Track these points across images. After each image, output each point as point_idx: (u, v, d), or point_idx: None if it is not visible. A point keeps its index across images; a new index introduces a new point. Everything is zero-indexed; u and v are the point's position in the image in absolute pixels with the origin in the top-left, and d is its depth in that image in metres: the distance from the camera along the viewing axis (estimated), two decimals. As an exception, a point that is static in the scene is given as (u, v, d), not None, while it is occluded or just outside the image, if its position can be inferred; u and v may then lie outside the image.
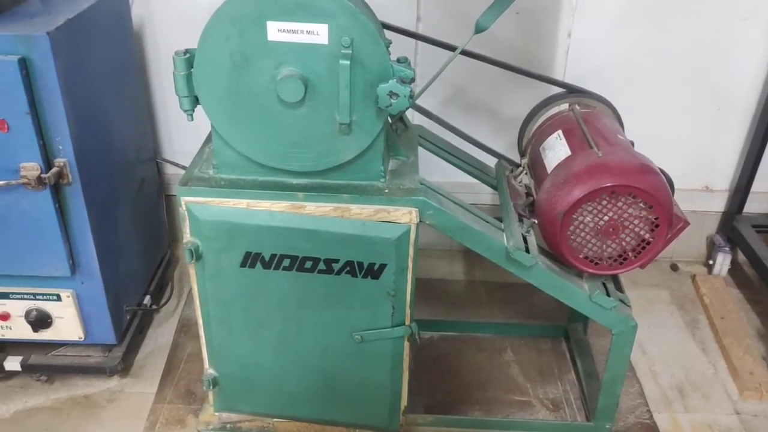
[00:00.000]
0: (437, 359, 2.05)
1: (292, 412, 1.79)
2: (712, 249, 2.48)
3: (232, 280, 1.55)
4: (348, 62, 1.29)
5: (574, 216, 1.45)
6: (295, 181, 1.48)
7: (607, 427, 1.78)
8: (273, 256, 1.50)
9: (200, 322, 1.65)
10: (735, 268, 2.46)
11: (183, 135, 2.33)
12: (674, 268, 2.53)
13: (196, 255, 1.51)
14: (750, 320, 2.26)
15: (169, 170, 2.37)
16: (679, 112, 2.30)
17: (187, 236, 1.51)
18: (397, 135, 1.62)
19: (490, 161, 1.90)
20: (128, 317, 1.96)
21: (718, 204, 2.46)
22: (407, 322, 1.58)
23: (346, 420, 1.78)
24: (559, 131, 1.65)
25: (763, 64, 2.22)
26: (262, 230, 1.47)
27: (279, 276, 1.52)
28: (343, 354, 1.63)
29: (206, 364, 1.72)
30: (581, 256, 1.50)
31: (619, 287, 1.66)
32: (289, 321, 1.60)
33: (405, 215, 1.45)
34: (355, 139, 1.41)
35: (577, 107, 1.72)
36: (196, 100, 1.40)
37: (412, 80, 1.34)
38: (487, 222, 1.57)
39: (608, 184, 1.41)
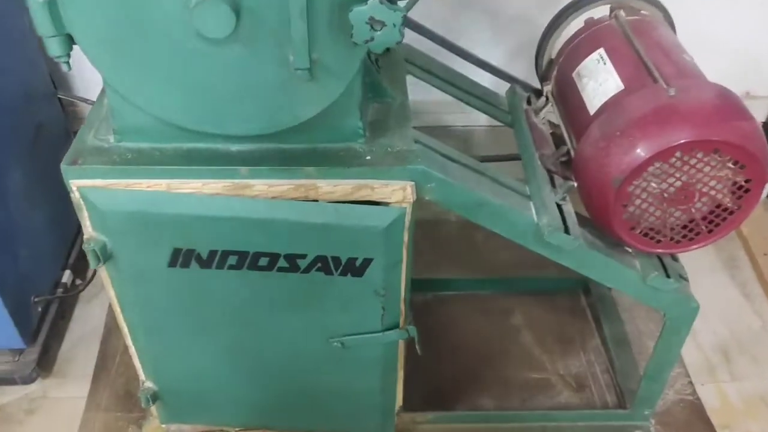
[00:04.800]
0: (434, 330, 1.67)
1: (259, 422, 1.42)
2: (747, 167, 2.09)
3: (160, 283, 1.13)
4: (301, -26, 0.81)
5: (635, 182, 1.03)
6: (235, 148, 1.02)
7: (646, 413, 1.46)
8: (213, 253, 1.07)
9: (125, 331, 1.24)
10: (773, 189, 2.09)
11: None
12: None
13: (104, 256, 1.07)
14: (796, 254, 1.92)
15: (77, 104, 1.85)
16: (719, 4, 1.83)
17: (88, 231, 1.07)
18: (378, 67, 1.15)
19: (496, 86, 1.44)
20: (40, 309, 1.53)
21: (760, 113, 2.05)
22: (402, 325, 1.18)
23: (328, 428, 1.43)
24: (601, 50, 1.19)
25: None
26: (191, 221, 1.03)
27: (224, 276, 1.10)
28: (318, 360, 1.25)
29: (142, 376, 1.33)
30: (638, 232, 1.10)
31: (673, 255, 1.27)
32: (245, 327, 1.20)
33: (397, 192, 1.02)
34: (320, 87, 0.94)
35: (621, 13, 1.24)
36: (70, 40, 0.91)
37: (403, -4, 0.87)
38: (505, 186, 1.14)
39: (687, 140, 0.99)
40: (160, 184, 1.01)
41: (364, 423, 1.40)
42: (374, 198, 1.02)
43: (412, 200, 1.02)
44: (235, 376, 1.30)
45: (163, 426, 1.45)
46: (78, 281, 1.70)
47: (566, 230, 1.08)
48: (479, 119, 1.99)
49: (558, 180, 1.17)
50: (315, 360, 1.25)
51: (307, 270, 1.08)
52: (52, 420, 1.51)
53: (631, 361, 1.58)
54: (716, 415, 1.53)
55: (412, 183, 1.01)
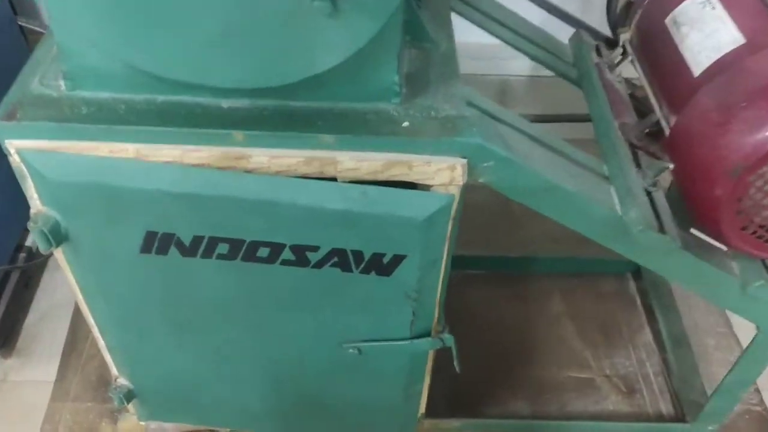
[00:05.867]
0: (462, 316, 1.41)
1: (255, 426, 1.21)
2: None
3: (131, 272, 0.89)
4: None
5: (760, 171, 0.77)
6: (227, 104, 0.76)
7: (710, 429, 1.24)
8: (198, 239, 0.82)
9: (90, 321, 1.00)
10: None
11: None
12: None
13: (56, 237, 0.82)
14: None
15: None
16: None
17: (35, 205, 0.82)
18: (417, 1, 0.87)
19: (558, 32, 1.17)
20: (-4, 282, 1.30)
21: None
22: (435, 332, 0.95)
23: (336, 434, 1.21)
24: (708, -10, 0.91)
25: None
26: (169, 199, 0.78)
27: (213, 267, 0.85)
28: (327, 367, 1.02)
29: (114, 371, 1.10)
30: (751, 233, 0.84)
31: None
32: (238, 325, 0.97)
33: (443, 172, 0.76)
34: (345, 26, 0.67)
35: (734, -59, 0.96)
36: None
37: None
38: (579, 164, 0.88)
39: (843, 115, 0.72)
40: (126, 150, 0.75)
41: (382, 430, 1.18)
42: (412, 179, 0.77)
43: (461, 183, 0.77)
44: (226, 379, 1.08)
45: (142, 423, 1.23)
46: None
47: (660, 227, 0.83)
48: (518, 68, 1.72)
49: (644, 158, 0.91)
50: (323, 366, 1.02)
51: (318, 265, 0.84)
52: (12, 408, 1.29)
53: (690, 364, 1.35)
54: (786, 430, 1.32)
55: (464, 161, 0.76)
